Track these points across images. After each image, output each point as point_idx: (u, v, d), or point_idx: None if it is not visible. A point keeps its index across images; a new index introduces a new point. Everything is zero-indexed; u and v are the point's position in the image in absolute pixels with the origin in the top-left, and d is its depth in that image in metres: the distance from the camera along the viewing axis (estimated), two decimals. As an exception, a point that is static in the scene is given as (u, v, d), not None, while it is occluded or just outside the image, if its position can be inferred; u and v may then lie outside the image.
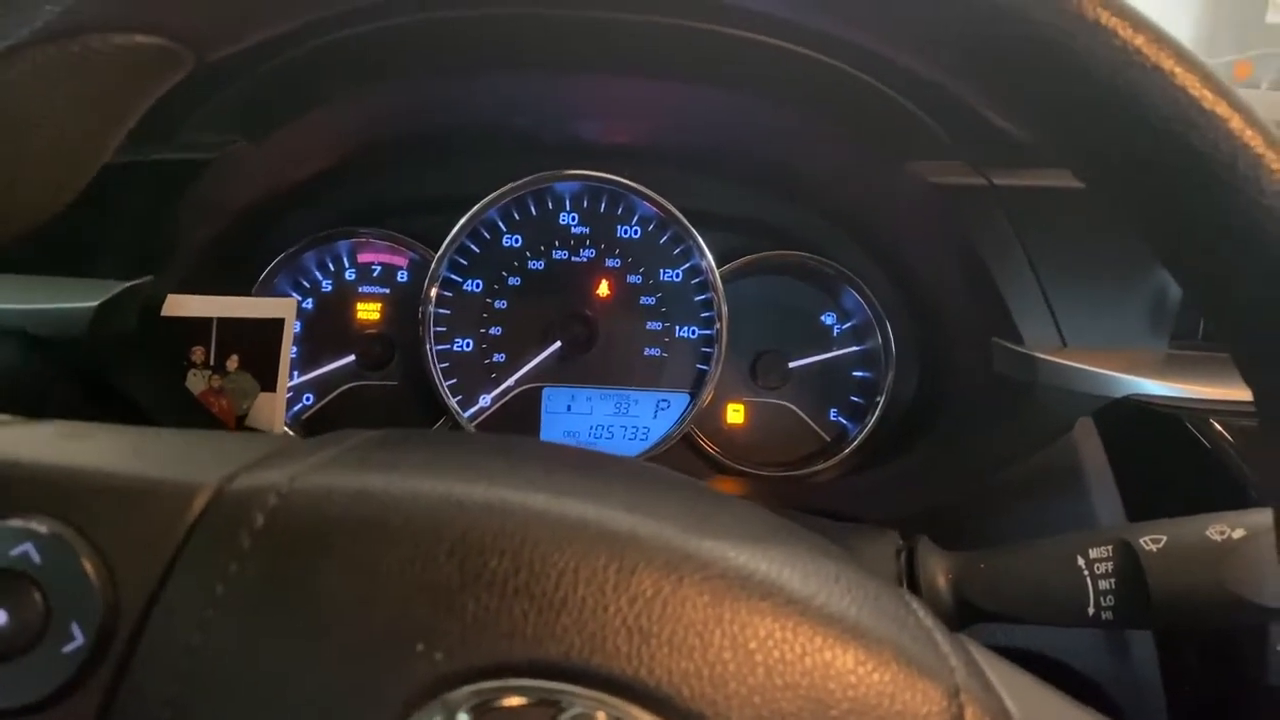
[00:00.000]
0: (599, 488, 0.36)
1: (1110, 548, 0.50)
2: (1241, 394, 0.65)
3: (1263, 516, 0.48)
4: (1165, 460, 0.68)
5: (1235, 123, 0.30)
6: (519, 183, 0.88)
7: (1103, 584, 0.50)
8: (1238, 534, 0.47)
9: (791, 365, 0.95)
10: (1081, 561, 0.50)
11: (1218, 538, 0.47)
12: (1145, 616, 0.49)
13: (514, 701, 0.27)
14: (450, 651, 0.28)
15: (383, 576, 0.29)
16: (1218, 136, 0.30)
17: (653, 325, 0.94)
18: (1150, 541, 0.49)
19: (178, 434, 0.38)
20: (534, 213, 0.93)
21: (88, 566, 0.29)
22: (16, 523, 0.30)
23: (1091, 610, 0.50)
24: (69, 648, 0.29)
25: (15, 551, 0.29)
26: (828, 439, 0.96)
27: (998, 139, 0.68)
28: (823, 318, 0.96)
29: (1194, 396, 0.67)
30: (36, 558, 0.29)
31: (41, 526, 0.30)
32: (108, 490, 0.31)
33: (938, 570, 0.54)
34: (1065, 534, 0.52)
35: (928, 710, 0.28)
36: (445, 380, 0.91)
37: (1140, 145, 0.31)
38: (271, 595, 0.29)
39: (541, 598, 0.29)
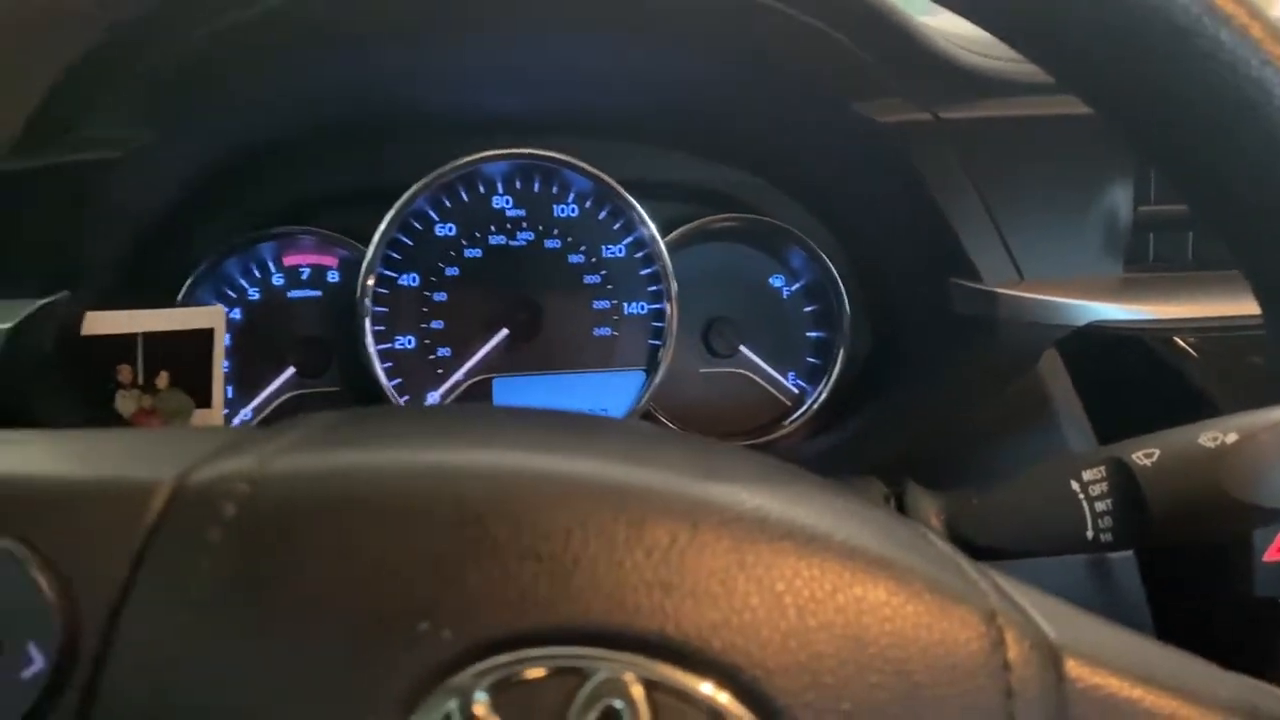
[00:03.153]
0: (592, 444, 0.34)
1: (1103, 468, 0.50)
2: (1200, 311, 0.67)
3: (1254, 418, 0.48)
4: (1131, 383, 0.69)
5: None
6: (448, 167, 0.85)
7: (1099, 505, 0.49)
8: (1231, 438, 0.47)
9: (743, 331, 0.94)
10: (1075, 485, 0.50)
11: (1211, 444, 0.47)
12: (1144, 533, 0.49)
13: (534, 674, 0.25)
14: (458, 627, 0.26)
15: (374, 555, 0.27)
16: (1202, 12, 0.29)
17: (600, 304, 0.92)
18: (1143, 456, 0.49)
19: (124, 433, 0.36)
20: (465, 198, 0.90)
21: (40, 581, 0.27)
22: None
23: (1090, 534, 0.49)
24: (28, 672, 0.26)
25: (-44, 572, 0.26)
26: (788, 403, 0.95)
27: (939, 72, 0.68)
28: (771, 280, 0.95)
29: (1154, 317, 0.68)
30: (-19, 578, 0.26)
31: (-16, 542, 0.27)
32: (54, 497, 0.29)
33: (930, 511, 0.53)
34: (1054, 460, 0.52)
35: (967, 636, 0.27)
36: (389, 380, 0.88)
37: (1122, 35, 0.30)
38: (251, 590, 0.27)
39: (551, 559, 0.27)
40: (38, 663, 0.26)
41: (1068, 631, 0.28)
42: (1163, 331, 0.68)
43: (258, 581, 0.27)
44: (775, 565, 0.27)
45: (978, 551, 0.52)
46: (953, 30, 0.70)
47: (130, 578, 0.27)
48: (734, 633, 0.26)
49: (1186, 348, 0.67)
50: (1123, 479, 0.49)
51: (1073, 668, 0.27)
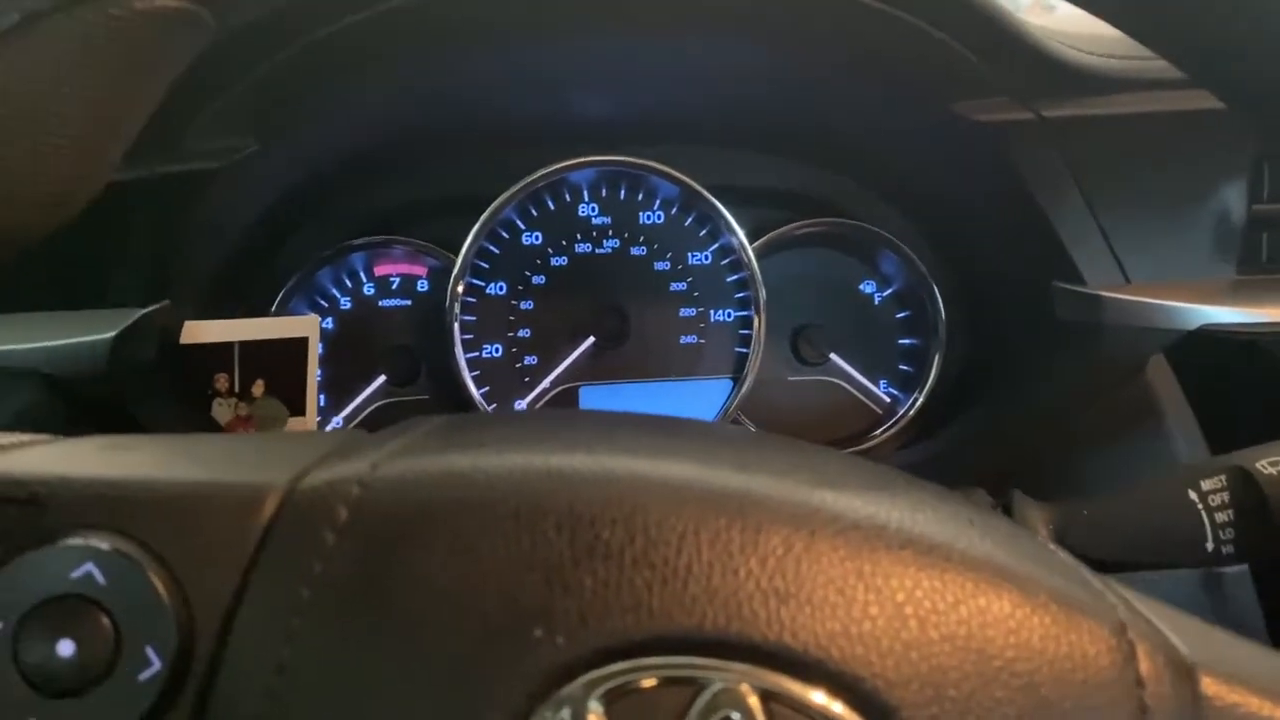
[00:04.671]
0: (702, 448, 0.33)
1: (1224, 477, 0.47)
2: (1318, 312, 0.64)
3: None
4: (1246, 389, 0.66)
5: None
6: (535, 176, 0.86)
7: (1219, 516, 0.47)
8: (1362, 444, 0.45)
9: (833, 339, 0.92)
10: (1194, 495, 0.48)
11: (1342, 451, 0.45)
12: (1271, 545, 0.46)
13: (648, 683, 0.25)
14: (572, 633, 0.25)
15: (487, 559, 0.27)
16: None
17: (686, 312, 0.91)
18: (1268, 465, 0.46)
19: (234, 438, 0.36)
20: (552, 207, 0.90)
21: (157, 584, 0.27)
22: (75, 541, 0.27)
23: (1211, 546, 0.47)
24: (145, 674, 0.26)
25: (76, 573, 0.27)
26: (879, 412, 0.93)
27: (1042, 69, 0.66)
28: (862, 286, 0.93)
29: (1270, 320, 0.65)
30: (101, 579, 0.27)
31: (103, 543, 0.27)
32: (168, 500, 0.29)
33: (1038, 523, 0.51)
34: (1170, 470, 0.50)
35: (1097, 650, 0.26)
36: (478, 389, 0.88)
37: None
38: (365, 594, 0.27)
39: (664, 566, 0.26)
40: (155, 665, 0.26)
41: (1202, 647, 0.27)
42: (1278, 335, 0.65)
43: (370, 585, 0.27)
44: (895, 574, 0.27)
45: (1088, 565, 0.50)
46: (1056, 27, 0.68)
47: (244, 581, 0.27)
48: (854, 643, 0.25)
49: (1306, 352, 0.63)
50: (1246, 489, 0.46)
51: (1209, 685, 0.26)
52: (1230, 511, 0.47)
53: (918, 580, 0.27)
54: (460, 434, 0.34)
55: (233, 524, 0.28)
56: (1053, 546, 0.33)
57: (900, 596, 0.26)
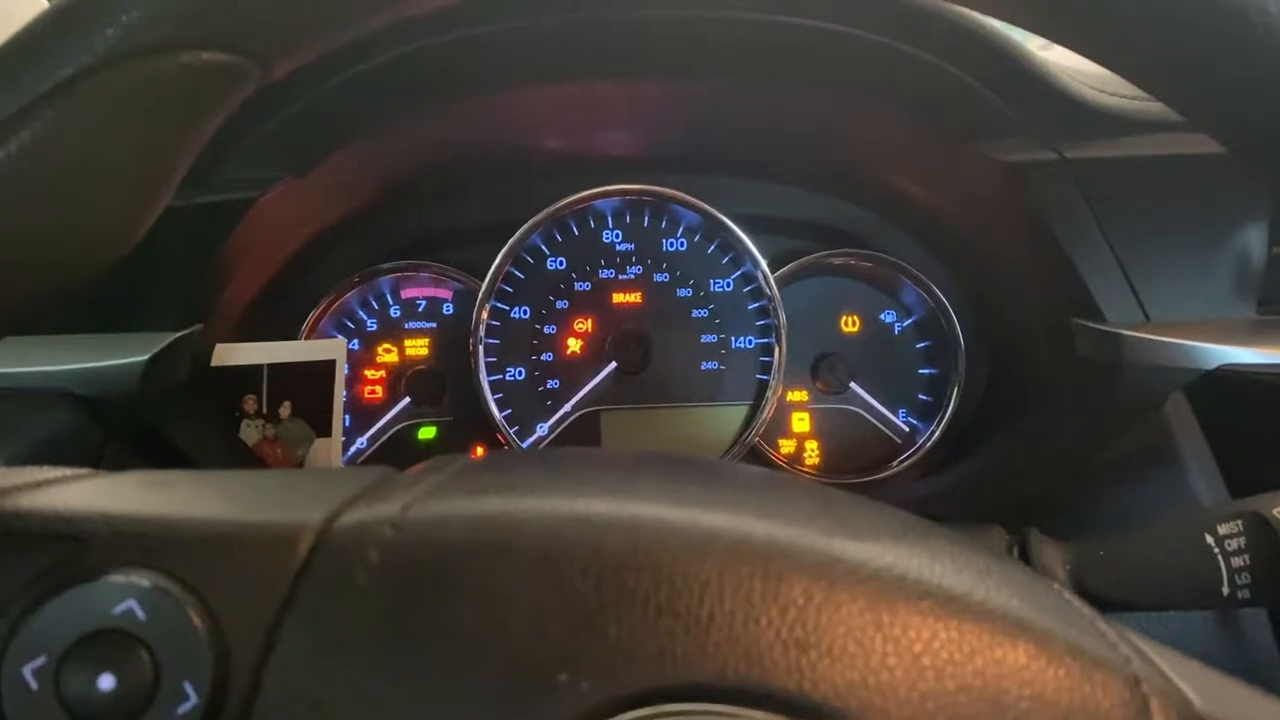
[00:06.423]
0: (726, 495, 0.34)
1: (1240, 522, 0.48)
2: (1340, 354, 0.64)
3: None
4: (1266, 431, 0.66)
5: None
6: (561, 204, 0.87)
7: (1236, 561, 0.47)
8: (1378, 492, 0.45)
9: (853, 367, 0.93)
10: (1210, 539, 0.48)
11: (1357, 499, 0.45)
12: None
13: None
14: (596, 679, 0.25)
15: (515, 604, 0.27)
16: None
17: (708, 338, 0.92)
18: None
19: (268, 474, 0.36)
20: (576, 233, 0.91)
21: (195, 619, 0.27)
22: (117, 578, 0.28)
23: (1226, 590, 0.47)
24: (183, 708, 0.26)
25: (118, 609, 0.27)
26: (898, 441, 0.93)
27: (1066, 110, 0.66)
28: (882, 316, 0.94)
29: None
30: (141, 614, 0.27)
31: (143, 580, 0.28)
32: (206, 538, 0.29)
33: (1054, 562, 0.52)
34: (1185, 513, 0.50)
35: (1110, 703, 0.26)
36: (500, 411, 0.89)
37: None
38: (396, 636, 0.27)
39: (687, 614, 0.26)
40: (192, 699, 0.27)
41: (1214, 699, 0.27)
42: (1299, 377, 0.64)
43: (400, 628, 0.27)
44: (913, 625, 0.27)
45: (1104, 604, 0.50)
46: (1077, 68, 0.68)
47: (279, 619, 0.27)
48: (871, 693, 0.25)
49: (1326, 395, 0.63)
50: (1262, 534, 0.47)
51: None
52: (1246, 556, 0.47)
53: (935, 631, 0.27)
54: (488, 475, 0.34)
55: (269, 562, 0.28)
56: (1068, 595, 0.33)
57: (918, 647, 0.26)
